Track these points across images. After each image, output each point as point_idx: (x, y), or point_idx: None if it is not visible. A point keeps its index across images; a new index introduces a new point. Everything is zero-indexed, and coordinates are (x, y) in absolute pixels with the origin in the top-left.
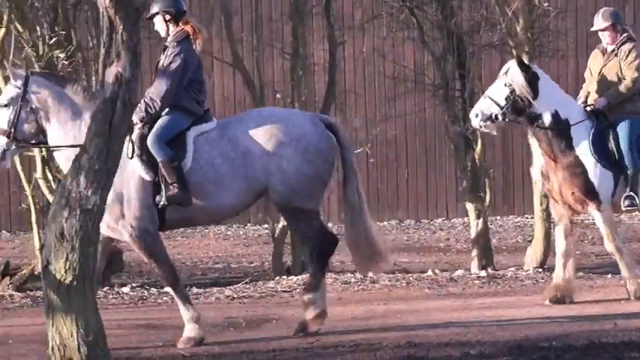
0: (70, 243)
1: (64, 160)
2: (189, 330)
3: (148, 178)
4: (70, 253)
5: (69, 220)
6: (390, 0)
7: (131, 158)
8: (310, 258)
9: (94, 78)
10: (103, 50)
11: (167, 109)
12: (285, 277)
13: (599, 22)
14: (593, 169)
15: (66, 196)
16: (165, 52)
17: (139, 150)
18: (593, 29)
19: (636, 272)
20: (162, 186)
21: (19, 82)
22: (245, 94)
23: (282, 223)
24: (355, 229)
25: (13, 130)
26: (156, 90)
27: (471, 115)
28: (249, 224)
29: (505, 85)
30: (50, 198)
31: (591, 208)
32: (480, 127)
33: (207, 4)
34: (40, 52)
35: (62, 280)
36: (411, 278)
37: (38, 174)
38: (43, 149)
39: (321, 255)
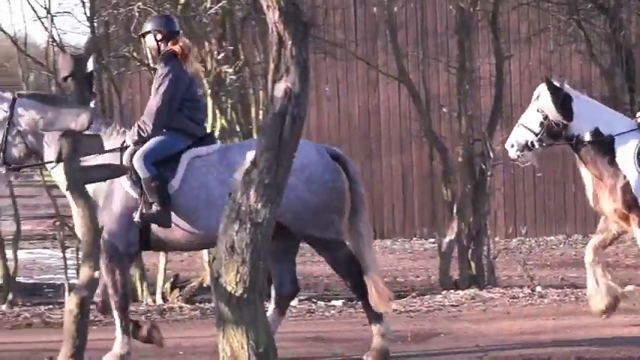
0: (240, 256)
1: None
2: (117, 345)
3: (134, 194)
4: (241, 266)
5: (239, 234)
6: (557, 13)
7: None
8: (350, 289)
9: (261, 93)
10: (272, 65)
11: (162, 131)
12: (452, 291)
13: None
14: (636, 182)
15: (236, 210)
16: (155, 74)
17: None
18: None
19: None
20: (142, 204)
21: (6, 105)
22: (410, 107)
23: (449, 237)
24: (372, 260)
25: (2, 153)
26: (147, 112)
27: (507, 146)
28: (414, 238)
29: (537, 110)
30: None
31: (633, 224)
32: (518, 157)
33: (372, 19)
34: (209, 67)
35: (233, 292)
36: (579, 293)
37: None
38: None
39: (357, 285)
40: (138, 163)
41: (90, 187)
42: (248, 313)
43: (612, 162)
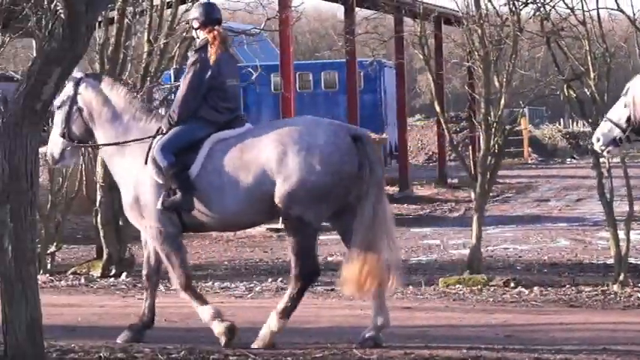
0: None
1: (107, 158)
2: (216, 327)
3: (160, 181)
4: None
5: None
6: None
7: (145, 164)
8: (290, 279)
9: None
10: None
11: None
12: None
13: None
14: None
15: None
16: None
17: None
18: None
19: None
20: (164, 191)
21: (72, 84)
22: None
23: None
24: (359, 242)
25: (66, 130)
26: (175, 101)
27: (593, 140)
28: None
29: (625, 105)
30: None
31: None
32: (602, 151)
33: None
34: None
35: None
36: None
37: None
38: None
39: (301, 279)
40: (158, 153)
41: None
42: None
43: None
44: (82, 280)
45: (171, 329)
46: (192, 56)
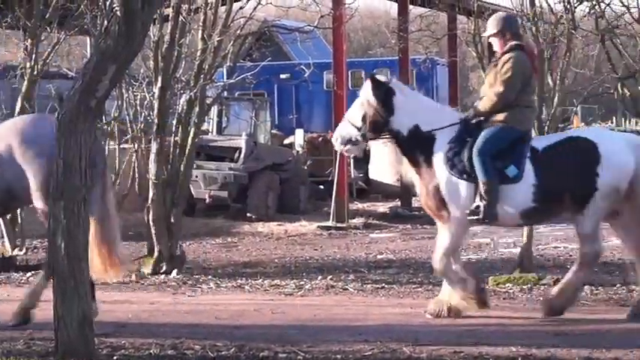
0: None
1: None
2: None
3: None
4: None
5: None
6: None
7: None
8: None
9: None
10: None
11: None
12: None
13: (488, 28)
14: (445, 183)
15: None
16: None
17: None
18: (483, 35)
19: None
20: None
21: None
22: None
23: None
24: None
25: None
26: None
27: (333, 140)
28: None
29: (361, 105)
30: None
31: (440, 222)
32: (341, 150)
33: None
34: None
35: None
36: None
37: None
38: None
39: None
40: None
41: None
42: None
43: (428, 160)
44: (133, 277)
45: (220, 326)
46: None
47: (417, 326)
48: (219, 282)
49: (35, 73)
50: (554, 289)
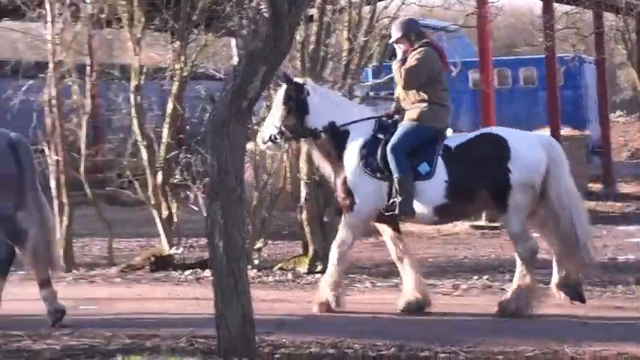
0: None
1: None
2: None
3: None
4: None
5: None
6: None
7: None
8: None
9: None
10: None
11: None
12: None
13: (393, 33)
14: (352, 175)
15: None
16: None
17: None
18: (389, 41)
19: None
20: None
21: None
22: None
23: None
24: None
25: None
26: None
27: (258, 140)
28: None
29: (279, 105)
30: None
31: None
32: (265, 148)
33: None
34: None
35: None
36: None
37: None
38: None
39: None
40: None
41: None
42: None
43: (341, 154)
44: (289, 276)
45: (380, 325)
46: None
47: (575, 324)
48: (374, 281)
49: (185, 74)
50: (508, 293)
